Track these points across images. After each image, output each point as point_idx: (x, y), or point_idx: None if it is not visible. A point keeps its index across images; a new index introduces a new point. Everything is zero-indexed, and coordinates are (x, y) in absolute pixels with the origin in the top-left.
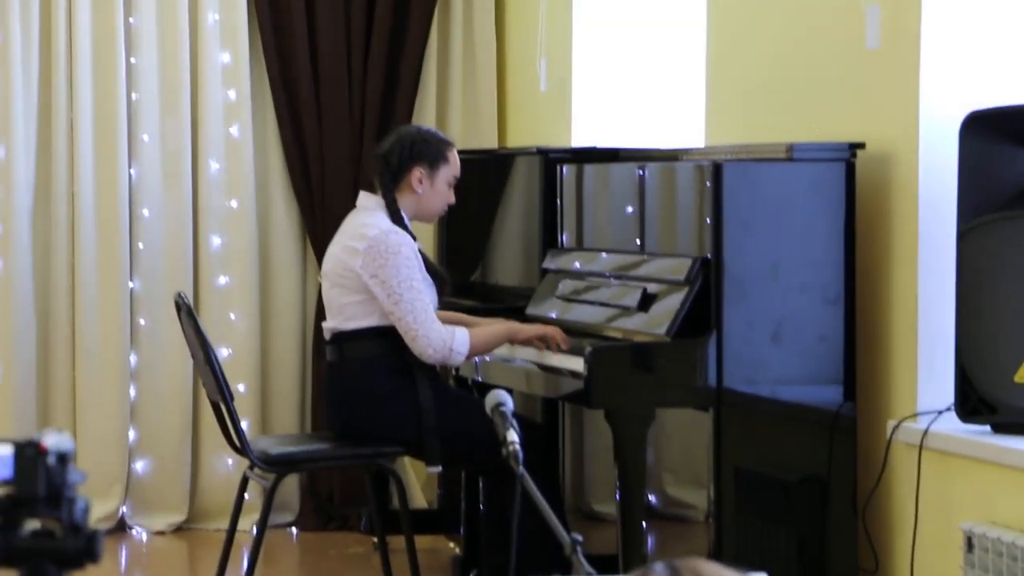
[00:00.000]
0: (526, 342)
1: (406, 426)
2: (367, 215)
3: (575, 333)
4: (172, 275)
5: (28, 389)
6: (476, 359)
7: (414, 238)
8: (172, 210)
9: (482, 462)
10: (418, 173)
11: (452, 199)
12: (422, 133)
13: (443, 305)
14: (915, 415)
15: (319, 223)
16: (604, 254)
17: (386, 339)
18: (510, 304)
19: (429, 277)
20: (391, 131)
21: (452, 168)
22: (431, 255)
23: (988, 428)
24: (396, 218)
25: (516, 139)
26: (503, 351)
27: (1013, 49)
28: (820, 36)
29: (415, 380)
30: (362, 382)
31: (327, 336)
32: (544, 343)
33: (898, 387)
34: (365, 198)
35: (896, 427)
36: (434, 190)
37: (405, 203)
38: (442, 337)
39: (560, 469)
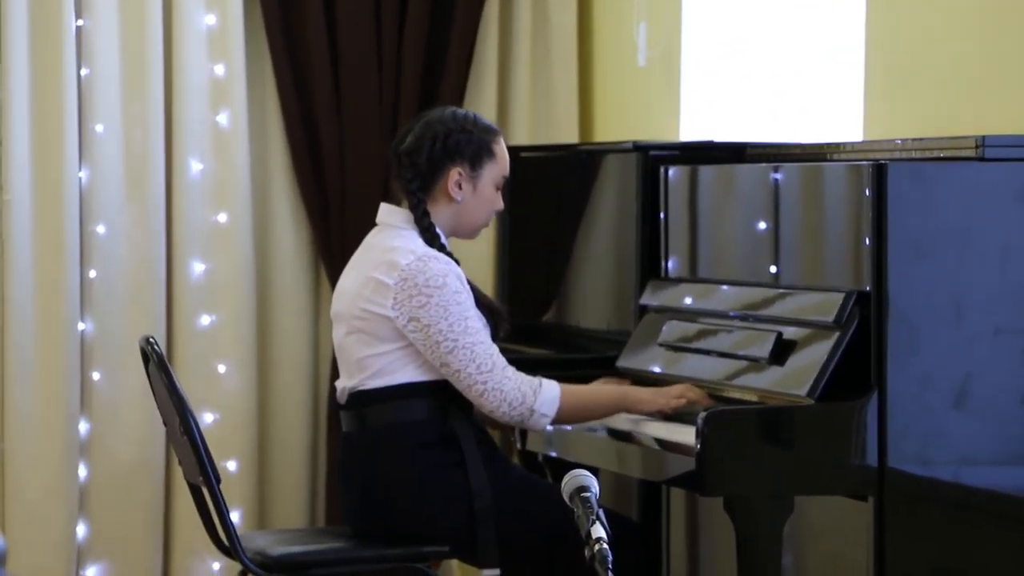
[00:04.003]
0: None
1: (451, 517)
2: (393, 236)
3: None
4: (137, 314)
5: None
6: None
7: (456, 261)
8: (137, 226)
9: (556, 565)
10: (456, 175)
11: (500, 205)
12: (458, 120)
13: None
14: None
15: (336, 245)
16: (724, 287)
17: (421, 399)
18: (596, 354)
19: (481, 315)
20: (415, 119)
21: (500, 165)
22: (487, 287)
23: None
24: (431, 237)
25: (605, 131)
26: None
27: None
28: None
29: (463, 454)
30: (390, 459)
31: (342, 399)
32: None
33: None
34: (388, 212)
35: None
36: (478, 196)
37: (440, 215)
38: (520, 388)
39: None
